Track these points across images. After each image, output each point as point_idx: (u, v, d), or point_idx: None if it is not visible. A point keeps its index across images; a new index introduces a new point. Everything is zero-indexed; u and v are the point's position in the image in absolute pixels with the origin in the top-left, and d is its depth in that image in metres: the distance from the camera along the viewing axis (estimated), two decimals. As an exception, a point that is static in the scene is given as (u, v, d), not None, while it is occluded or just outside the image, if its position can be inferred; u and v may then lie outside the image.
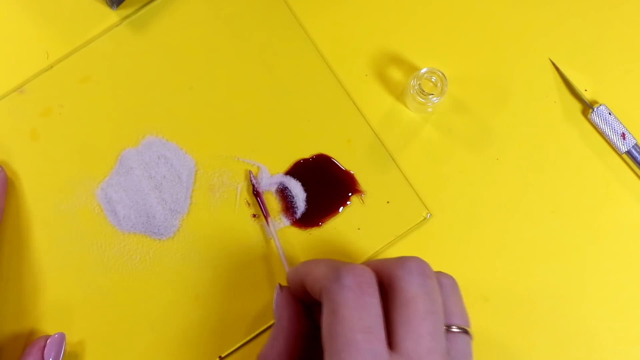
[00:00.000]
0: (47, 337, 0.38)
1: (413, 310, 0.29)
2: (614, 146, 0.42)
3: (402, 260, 0.31)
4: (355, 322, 0.28)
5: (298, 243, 0.40)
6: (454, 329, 0.31)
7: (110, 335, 0.40)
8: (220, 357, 0.39)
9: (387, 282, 0.30)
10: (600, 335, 0.40)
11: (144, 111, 0.42)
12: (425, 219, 0.41)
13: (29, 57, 0.43)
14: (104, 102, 0.43)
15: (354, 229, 0.41)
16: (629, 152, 0.41)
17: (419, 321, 0.28)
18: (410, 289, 0.29)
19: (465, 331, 0.31)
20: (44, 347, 0.37)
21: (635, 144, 0.41)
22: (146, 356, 0.39)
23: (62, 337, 0.38)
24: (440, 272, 0.33)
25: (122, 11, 0.44)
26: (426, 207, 0.41)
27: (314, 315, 0.34)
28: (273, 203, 0.41)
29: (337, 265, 0.30)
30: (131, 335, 0.40)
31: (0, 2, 0.44)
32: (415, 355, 0.28)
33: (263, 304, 0.40)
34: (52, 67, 0.43)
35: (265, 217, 0.40)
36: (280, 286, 0.35)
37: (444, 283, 0.32)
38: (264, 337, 0.40)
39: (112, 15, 0.44)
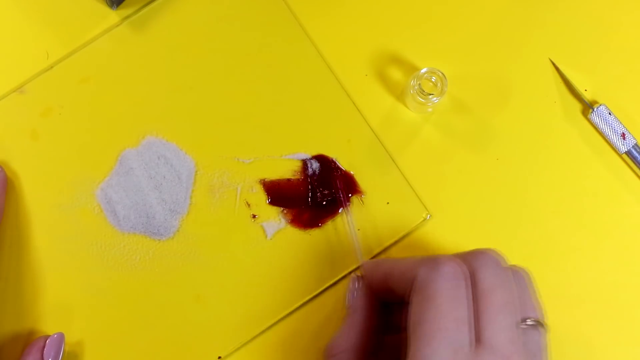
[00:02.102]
0: (47, 337, 0.38)
1: (490, 302, 0.29)
2: (614, 146, 0.42)
3: (477, 253, 0.31)
4: (449, 310, 0.28)
5: (298, 243, 0.40)
6: (529, 322, 0.31)
7: (110, 335, 0.40)
8: (219, 357, 0.39)
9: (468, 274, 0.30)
10: (600, 335, 0.40)
11: (144, 111, 0.42)
12: (425, 219, 0.41)
13: (29, 57, 0.43)
14: (104, 102, 0.43)
15: (354, 229, 0.41)
16: (629, 152, 0.41)
17: (497, 312, 0.29)
18: (487, 280, 0.30)
19: (540, 324, 0.32)
20: (44, 347, 0.38)
21: (635, 144, 0.41)
22: (146, 356, 0.39)
23: (61, 337, 0.38)
24: (514, 265, 0.33)
25: (122, 11, 0.44)
26: (426, 208, 0.41)
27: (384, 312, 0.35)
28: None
29: (432, 257, 0.31)
30: (131, 335, 0.40)
31: (0, 2, 0.44)
32: (496, 345, 0.28)
33: (263, 304, 0.40)
34: (52, 67, 0.43)
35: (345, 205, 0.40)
36: (358, 277, 0.36)
37: (519, 276, 0.33)
38: (264, 337, 0.40)
39: (112, 15, 0.44)
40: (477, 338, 0.28)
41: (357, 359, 0.33)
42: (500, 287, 0.30)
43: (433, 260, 0.30)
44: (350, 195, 0.41)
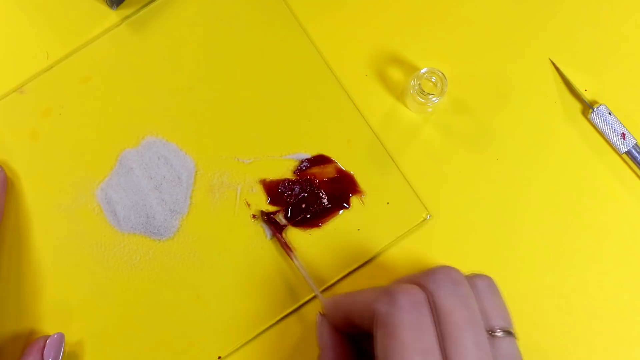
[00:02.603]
0: (47, 337, 0.38)
1: (452, 324, 0.28)
2: (614, 146, 0.42)
3: (430, 273, 0.30)
4: (413, 343, 0.28)
5: (298, 244, 0.40)
6: (497, 333, 0.31)
7: (110, 335, 0.40)
8: (219, 357, 0.39)
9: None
10: (600, 335, 0.40)
11: (144, 111, 0.42)
12: (425, 219, 0.41)
13: (29, 57, 0.43)
14: (104, 102, 0.43)
15: (354, 229, 0.41)
16: (629, 152, 0.41)
17: (460, 333, 0.28)
18: (445, 302, 0.29)
19: (507, 332, 0.31)
20: (44, 347, 0.38)
21: (635, 144, 0.41)
22: (145, 356, 0.39)
23: (61, 337, 0.38)
24: (474, 274, 0.32)
25: (122, 11, 0.44)
26: (426, 208, 0.41)
27: (356, 341, 0.34)
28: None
29: (387, 288, 0.30)
30: (130, 335, 0.40)
31: (0, 2, 0.44)
32: None
33: (263, 304, 0.40)
34: (52, 67, 0.43)
35: (289, 254, 0.40)
36: (322, 315, 0.35)
37: (479, 285, 0.32)
38: (264, 338, 0.40)
39: (112, 15, 0.44)
40: None
41: None
42: (458, 306, 0.29)
43: (388, 293, 0.29)
44: (350, 195, 0.41)
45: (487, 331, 0.30)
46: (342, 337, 0.34)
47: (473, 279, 0.32)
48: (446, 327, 0.28)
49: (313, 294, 0.40)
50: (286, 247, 0.40)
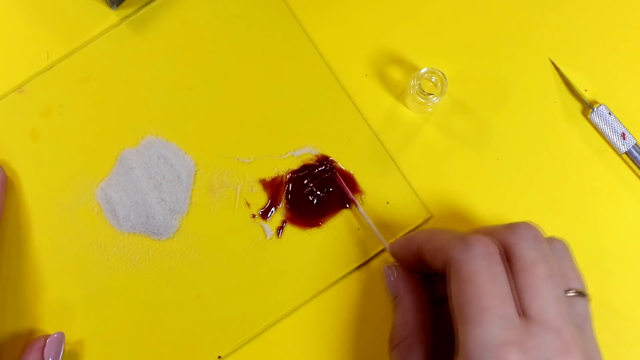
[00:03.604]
0: (47, 336, 0.38)
1: (534, 275, 0.29)
2: (614, 146, 0.42)
3: (513, 227, 0.31)
4: (489, 289, 0.28)
5: (298, 243, 0.40)
6: (571, 293, 0.31)
7: (110, 334, 0.40)
8: (219, 357, 0.39)
9: (502, 249, 0.30)
10: (600, 336, 0.40)
11: (144, 111, 0.42)
12: (425, 219, 0.41)
13: (29, 57, 0.43)
14: (104, 102, 0.43)
15: (354, 229, 0.41)
16: (629, 152, 0.41)
17: (542, 285, 0.29)
18: (527, 254, 0.30)
19: (582, 294, 0.32)
20: (44, 346, 0.38)
21: (635, 144, 0.41)
22: (145, 356, 0.39)
23: (61, 336, 0.38)
24: (551, 236, 0.33)
25: (122, 11, 0.44)
26: (426, 208, 0.41)
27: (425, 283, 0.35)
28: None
29: (464, 235, 0.31)
30: (131, 334, 0.40)
31: (0, 2, 0.44)
32: (546, 318, 0.28)
33: (262, 303, 0.40)
34: (52, 67, 0.43)
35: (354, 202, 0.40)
36: (392, 266, 0.36)
37: (557, 247, 0.33)
38: (264, 337, 0.40)
39: (112, 15, 0.44)
40: (525, 312, 0.29)
41: (421, 341, 0.33)
42: (540, 260, 0.30)
43: (464, 241, 0.30)
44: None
45: (564, 290, 0.31)
46: (416, 281, 0.35)
47: (550, 241, 0.33)
48: (527, 278, 0.29)
49: (313, 293, 0.40)
50: (350, 196, 0.40)
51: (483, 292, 0.29)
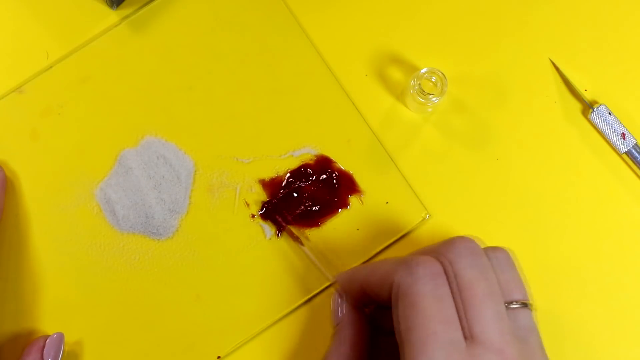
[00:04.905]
0: (46, 337, 0.38)
1: (473, 295, 0.29)
2: (614, 146, 0.41)
3: (450, 243, 0.31)
4: (434, 313, 0.28)
5: (297, 243, 0.40)
6: (514, 305, 0.31)
7: (109, 335, 0.40)
8: (219, 357, 0.39)
9: (447, 267, 0.30)
10: (600, 336, 0.40)
11: (144, 111, 0.42)
12: (424, 219, 0.41)
13: (29, 57, 0.43)
14: (104, 102, 0.43)
15: (353, 229, 0.41)
16: (629, 152, 0.41)
17: (482, 304, 0.29)
18: (466, 273, 0.29)
19: (525, 305, 0.31)
20: (43, 347, 0.37)
21: (635, 144, 0.41)
22: (145, 356, 0.39)
23: (61, 337, 0.38)
24: (491, 247, 0.33)
25: (122, 11, 0.44)
26: (425, 208, 0.41)
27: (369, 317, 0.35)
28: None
29: (406, 259, 0.30)
30: (130, 334, 0.40)
31: (0, 2, 0.44)
32: (487, 339, 0.28)
33: (262, 303, 0.40)
34: (52, 67, 0.43)
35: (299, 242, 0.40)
36: (339, 294, 0.36)
37: (498, 257, 0.32)
38: (263, 337, 0.40)
39: (112, 15, 0.44)
40: (470, 334, 0.28)
41: None
42: (479, 277, 0.29)
43: (406, 264, 0.30)
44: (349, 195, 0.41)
45: (505, 303, 0.30)
46: (359, 313, 0.35)
47: (490, 252, 0.32)
48: (467, 298, 0.29)
49: (312, 294, 0.40)
50: (295, 238, 0.40)
51: (428, 316, 0.28)
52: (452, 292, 0.29)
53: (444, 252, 0.30)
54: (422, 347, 0.28)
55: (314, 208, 0.41)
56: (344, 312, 0.35)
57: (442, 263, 0.30)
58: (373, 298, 0.33)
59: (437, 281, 0.29)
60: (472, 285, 0.29)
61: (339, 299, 0.36)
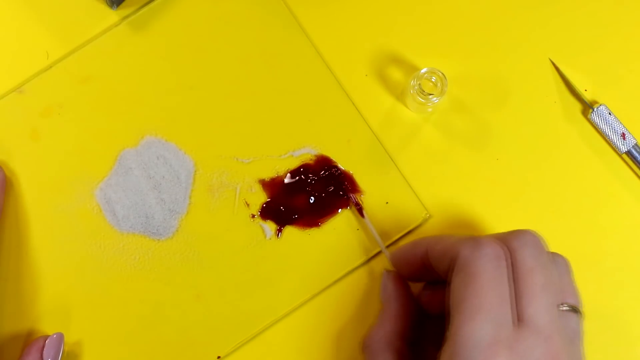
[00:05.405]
0: (46, 337, 0.38)
1: (532, 282, 0.30)
2: (614, 146, 0.41)
3: (517, 233, 0.32)
4: (490, 289, 0.29)
5: (297, 243, 0.40)
6: (565, 307, 0.32)
7: (109, 335, 0.40)
8: (219, 357, 0.39)
9: (508, 255, 0.31)
10: (600, 336, 0.40)
11: (144, 111, 0.42)
12: (424, 219, 0.41)
13: (29, 57, 0.43)
14: (104, 102, 0.43)
15: (353, 229, 0.41)
16: (629, 152, 0.41)
17: (538, 293, 0.30)
18: (528, 261, 0.30)
19: (576, 310, 0.32)
20: (43, 347, 0.37)
21: (635, 144, 0.41)
22: (145, 356, 0.39)
23: (60, 337, 0.38)
24: (554, 252, 0.34)
25: (122, 11, 0.44)
26: (425, 208, 0.41)
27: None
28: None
29: (473, 237, 0.32)
30: (130, 335, 0.40)
31: (0, 2, 0.44)
32: (538, 324, 0.29)
33: (262, 303, 0.40)
34: (52, 67, 0.43)
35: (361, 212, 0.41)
36: (388, 271, 0.37)
37: (558, 262, 0.33)
38: (263, 337, 0.40)
39: (112, 15, 0.44)
40: (519, 317, 0.29)
41: (393, 348, 0.34)
42: (540, 268, 0.30)
43: (475, 241, 0.31)
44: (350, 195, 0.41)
45: (559, 303, 0.31)
46: (407, 289, 0.36)
47: (554, 255, 0.33)
48: (525, 284, 0.30)
49: (313, 293, 0.40)
50: (359, 208, 0.40)
51: (484, 290, 0.29)
52: (510, 278, 0.30)
53: (510, 239, 0.31)
54: (470, 316, 0.28)
55: (313, 208, 0.41)
56: (392, 286, 0.36)
57: (506, 250, 0.31)
58: (428, 269, 0.34)
59: (499, 262, 0.30)
60: (531, 274, 0.30)
61: (389, 274, 0.37)
